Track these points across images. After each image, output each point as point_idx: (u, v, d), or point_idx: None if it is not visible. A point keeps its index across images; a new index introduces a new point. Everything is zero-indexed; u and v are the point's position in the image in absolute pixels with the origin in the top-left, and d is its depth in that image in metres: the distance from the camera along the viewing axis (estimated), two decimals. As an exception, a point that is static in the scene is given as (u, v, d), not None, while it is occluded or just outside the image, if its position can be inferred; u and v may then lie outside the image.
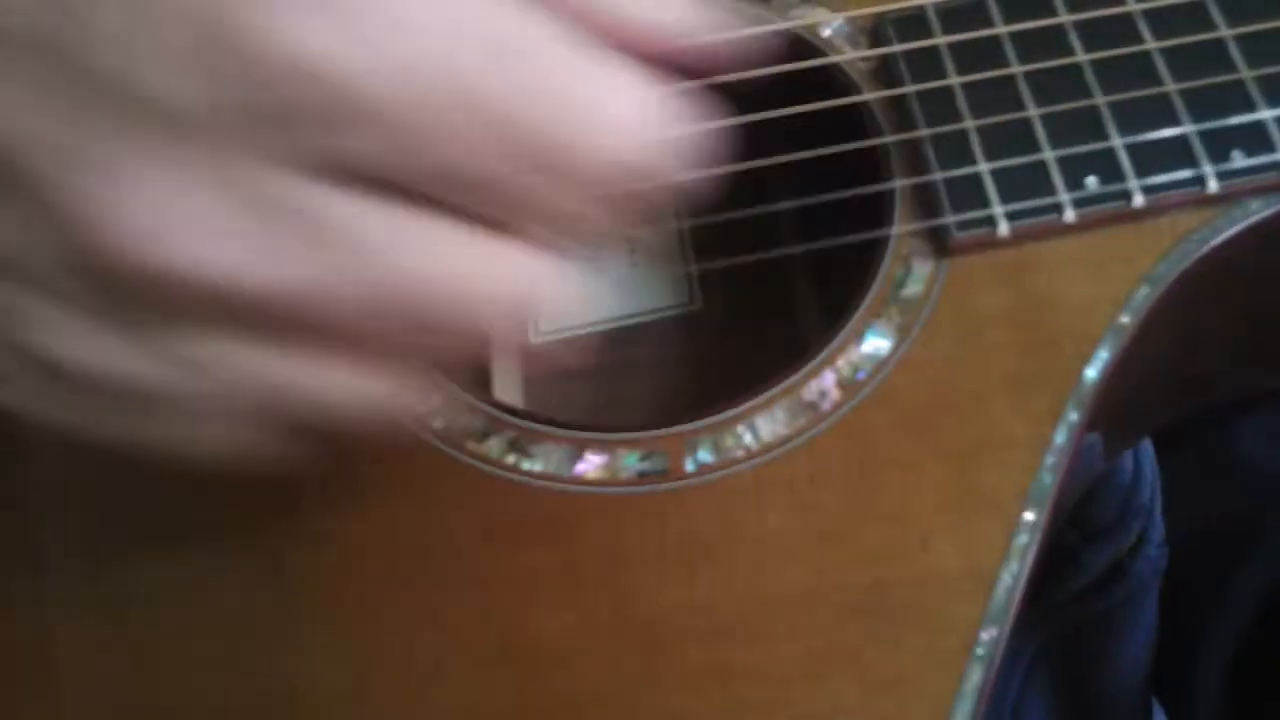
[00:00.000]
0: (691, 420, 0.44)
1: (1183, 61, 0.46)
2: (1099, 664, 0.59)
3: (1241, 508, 0.61)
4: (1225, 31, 0.47)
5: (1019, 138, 0.46)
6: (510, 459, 0.44)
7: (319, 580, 0.42)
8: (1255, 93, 0.46)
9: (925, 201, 0.46)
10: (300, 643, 0.42)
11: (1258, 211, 0.45)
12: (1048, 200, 0.45)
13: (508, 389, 0.60)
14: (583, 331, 0.61)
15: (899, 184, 0.46)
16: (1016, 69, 0.47)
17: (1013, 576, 0.41)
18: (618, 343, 0.61)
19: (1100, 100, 0.46)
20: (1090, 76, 0.46)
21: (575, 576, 0.42)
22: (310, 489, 0.43)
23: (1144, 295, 0.44)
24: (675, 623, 0.41)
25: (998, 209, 0.45)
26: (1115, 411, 0.44)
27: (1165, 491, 0.58)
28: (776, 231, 0.59)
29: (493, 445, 0.44)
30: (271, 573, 0.42)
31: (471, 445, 0.44)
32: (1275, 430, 0.61)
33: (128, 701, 0.42)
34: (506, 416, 0.45)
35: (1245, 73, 0.46)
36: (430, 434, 0.44)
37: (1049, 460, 0.42)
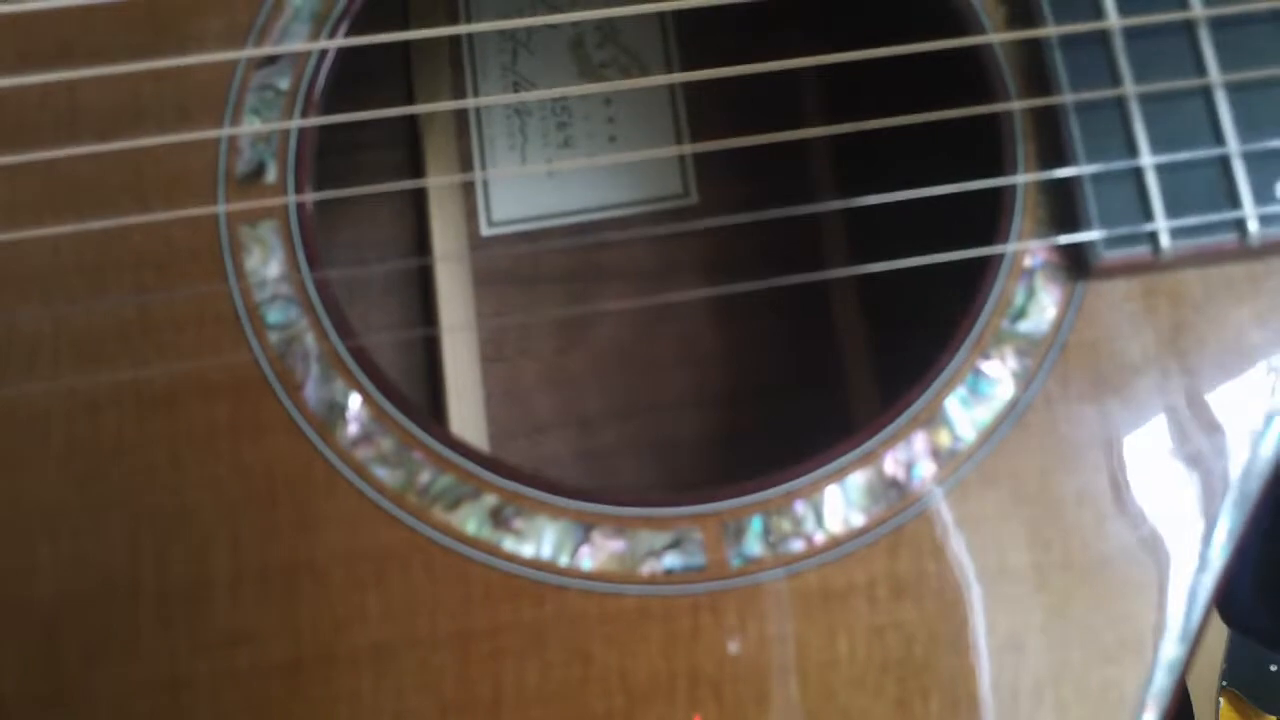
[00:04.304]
0: (736, 492, 0.33)
1: None
2: None
3: None
4: None
5: (1194, 118, 0.33)
6: (490, 537, 0.32)
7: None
8: None
9: (1060, 199, 0.34)
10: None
11: None
12: (1228, 214, 0.33)
13: (455, 304, 0.47)
14: (546, 224, 0.48)
15: (1023, 178, 0.34)
16: (1199, 11, 0.34)
17: (1146, 735, 0.31)
18: (591, 241, 0.48)
19: (1306, 68, 0.34)
20: (1295, 32, 0.34)
21: (572, 713, 0.31)
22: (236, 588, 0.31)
23: (1335, 346, 0.33)
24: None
25: (1162, 222, 0.33)
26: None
27: None
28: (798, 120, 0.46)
29: (469, 517, 0.32)
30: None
31: (439, 515, 0.32)
32: None
33: None
34: (485, 473, 0.33)
35: None
36: (379, 492, 0.32)
37: (1204, 577, 0.32)
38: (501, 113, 0.49)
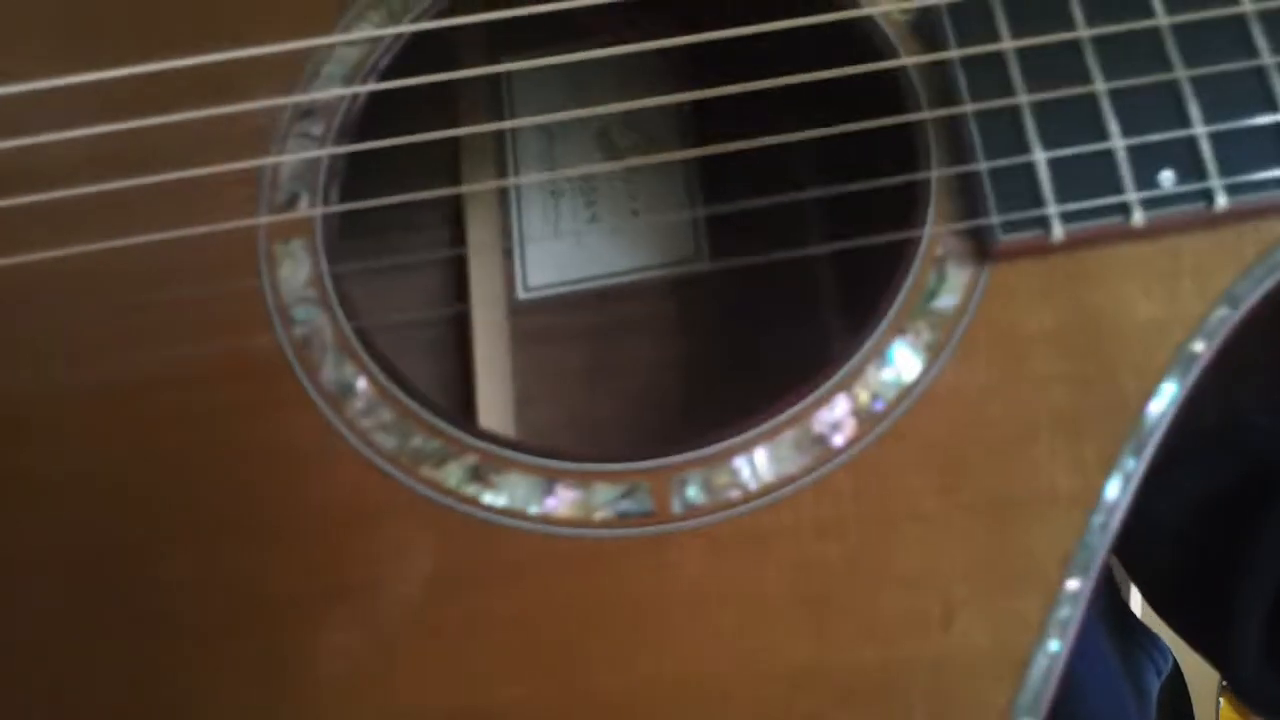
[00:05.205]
0: (681, 450, 0.38)
1: (1286, 28, 0.39)
2: None
3: (1248, 467, 0.55)
4: (1344, -9, 0.39)
5: (1082, 119, 0.38)
6: (470, 490, 0.38)
7: (245, 635, 0.37)
8: (1372, 70, 0.38)
9: (966, 194, 0.39)
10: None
11: (1366, 217, 0.38)
12: (1113, 199, 0.38)
13: (490, 353, 0.54)
14: (575, 288, 0.54)
15: (935, 174, 0.39)
16: (1084, 32, 0.39)
17: (1049, 658, 0.35)
18: (614, 301, 0.54)
19: (1182, 74, 0.38)
20: (1172, 45, 0.39)
21: (534, 637, 0.36)
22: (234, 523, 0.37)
23: (1221, 317, 0.37)
24: (646, 701, 0.35)
25: (1052, 208, 0.37)
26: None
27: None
28: (795, 185, 0.52)
29: (451, 472, 0.38)
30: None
31: (426, 471, 0.38)
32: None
33: None
34: (468, 438, 0.38)
35: (1361, 44, 0.38)
36: (377, 454, 0.38)
37: (1098, 520, 0.36)
38: (538, 193, 0.56)
